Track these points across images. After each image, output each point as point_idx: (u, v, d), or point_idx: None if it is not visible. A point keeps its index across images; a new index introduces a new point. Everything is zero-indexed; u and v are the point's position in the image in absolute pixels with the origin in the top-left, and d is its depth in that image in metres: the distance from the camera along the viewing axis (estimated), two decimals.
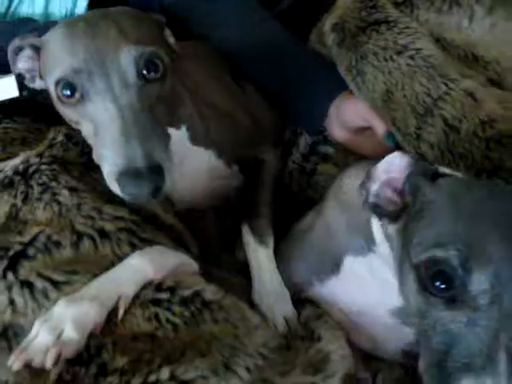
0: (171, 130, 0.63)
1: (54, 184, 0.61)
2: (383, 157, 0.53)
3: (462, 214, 0.46)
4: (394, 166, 0.51)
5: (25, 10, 0.87)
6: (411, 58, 0.70)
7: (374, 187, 0.51)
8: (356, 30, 0.76)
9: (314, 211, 0.71)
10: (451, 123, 0.65)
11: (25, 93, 0.69)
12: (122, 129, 0.52)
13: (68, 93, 0.55)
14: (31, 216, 0.59)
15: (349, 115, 0.79)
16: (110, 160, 0.52)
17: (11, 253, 0.56)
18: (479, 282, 0.42)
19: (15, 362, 0.49)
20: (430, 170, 0.50)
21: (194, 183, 0.75)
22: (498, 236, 0.44)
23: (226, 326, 0.56)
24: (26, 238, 0.57)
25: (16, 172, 0.62)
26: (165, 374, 0.49)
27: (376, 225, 0.56)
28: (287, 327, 0.67)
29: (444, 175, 0.52)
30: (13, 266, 0.55)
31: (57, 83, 0.55)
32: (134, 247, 0.59)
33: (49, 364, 0.49)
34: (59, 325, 0.51)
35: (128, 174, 0.51)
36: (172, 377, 0.49)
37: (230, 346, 0.53)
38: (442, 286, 0.43)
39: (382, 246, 0.57)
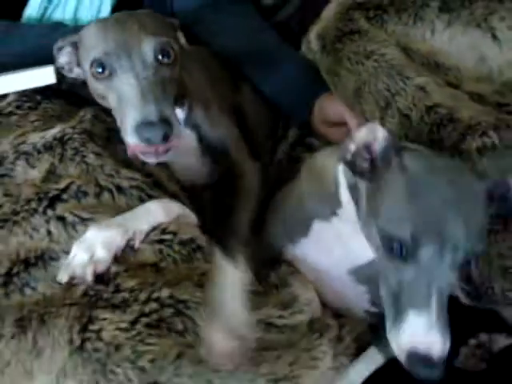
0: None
1: (83, 149, 0.77)
2: None
3: (417, 192, 0.58)
4: (373, 134, 0.62)
5: (57, 15, 0.97)
6: (376, 61, 0.82)
7: (353, 147, 0.63)
8: (334, 39, 0.88)
9: (290, 184, 0.83)
10: (404, 113, 0.77)
11: (64, 86, 0.84)
12: (140, 95, 0.68)
13: (100, 70, 0.71)
14: (65, 172, 0.74)
15: (328, 112, 0.92)
16: (130, 118, 0.67)
17: (50, 195, 0.71)
18: (426, 253, 0.56)
19: (63, 275, 0.64)
20: (400, 145, 0.62)
21: (185, 160, 0.89)
22: (445, 212, 0.57)
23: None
24: (61, 186, 0.72)
25: (54, 138, 0.77)
26: (165, 293, 0.63)
27: (344, 189, 0.68)
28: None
29: (410, 150, 0.64)
30: (51, 205, 0.70)
31: (92, 63, 0.72)
32: (142, 202, 0.74)
33: (89, 278, 0.64)
34: (92, 246, 0.65)
35: (145, 123, 0.66)
36: (171, 296, 0.63)
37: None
38: (399, 251, 0.57)
39: (347, 209, 0.69)
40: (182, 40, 0.82)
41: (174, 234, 0.71)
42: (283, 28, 1.10)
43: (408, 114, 0.76)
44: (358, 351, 0.78)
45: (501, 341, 0.84)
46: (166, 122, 0.67)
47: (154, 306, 0.63)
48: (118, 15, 0.77)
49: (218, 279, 0.69)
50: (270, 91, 1.01)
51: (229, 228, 0.78)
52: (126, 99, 0.69)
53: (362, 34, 0.86)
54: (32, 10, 0.96)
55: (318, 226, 0.75)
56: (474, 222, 0.57)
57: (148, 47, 0.71)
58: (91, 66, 0.72)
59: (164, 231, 0.70)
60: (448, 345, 0.56)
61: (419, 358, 0.55)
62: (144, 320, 0.62)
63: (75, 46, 0.76)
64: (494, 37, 0.84)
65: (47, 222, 0.69)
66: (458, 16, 0.86)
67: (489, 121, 0.74)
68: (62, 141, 0.77)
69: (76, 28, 0.90)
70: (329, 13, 0.93)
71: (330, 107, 0.91)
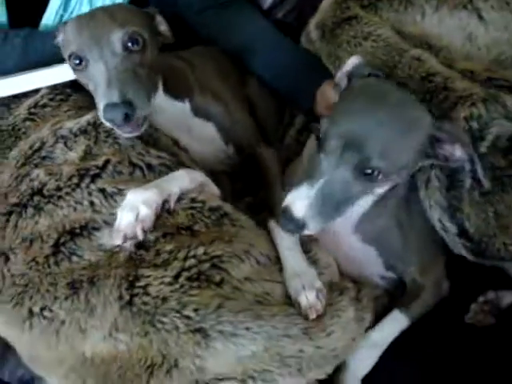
0: (176, 103, 0.90)
1: (114, 131, 0.82)
2: None
3: (346, 103, 0.71)
4: (352, 62, 0.74)
5: None
6: (374, 41, 0.89)
7: (339, 74, 0.76)
8: (333, 26, 0.96)
9: (296, 160, 0.91)
10: (402, 81, 0.83)
11: None
12: (107, 80, 0.75)
13: (77, 62, 0.79)
14: (100, 152, 0.80)
15: (330, 97, 0.98)
16: (99, 101, 0.75)
17: (91, 172, 0.77)
18: (331, 144, 0.67)
19: (116, 238, 0.70)
20: (364, 72, 0.73)
21: (202, 148, 0.96)
22: (361, 119, 0.66)
23: (242, 230, 0.76)
24: (99, 163, 0.78)
25: (88, 123, 0.84)
26: (200, 250, 0.69)
27: None
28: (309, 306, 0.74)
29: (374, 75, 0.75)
30: (92, 180, 0.77)
31: (69, 57, 0.79)
32: None
33: (140, 235, 0.71)
34: (135, 207, 0.71)
35: (108, 105, 0.73)
36: (205, 253, 0.69)
37: (246, 242, 0.74)
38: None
39: None
40: (163, 27, 0.89)
41: (203, 202, 0.77)
42: (281, 25, 1.16)
43: (406, 82, 0.83)
44: (376, 314, 0.83)
45: (508, 297, 0.89)
46: (128, 104, 0.74)
47: (192, 261, 0.69)
48: (93, 10, 0.85)
49: (282, 251, 0.79)
50: (273, 81, 1.07)
51: (272, 205, 0.86)
52: (97, 85, 0.77)
53: (358, 20, 0.93)
54: (48, 19, 1.01)
55: None
56: (389, 140, 0.66)
57: (116, 37, 0.78)
58: (69, 59, 0.80)
59: (194, 200, 0.77)
60: (308, 214, 0.66)
61: (286, 213, 0.66)
62: (185, 274, 0.69)
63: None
64: (480, 17, 0.91)
65: (89, 194, 0.76)
66: (444, 1, 0.93)
67: (479, 93, 0.80)
68: (95, 125, 0.83)
69: None
70: (326, 3, 1.00)
71: (331, 92, 0.98)
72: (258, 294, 0.73)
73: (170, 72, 0.90)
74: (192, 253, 0.71)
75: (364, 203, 0.77)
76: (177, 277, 0.69)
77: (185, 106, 0.93)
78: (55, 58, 0.90)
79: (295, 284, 0.75)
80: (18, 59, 0.95)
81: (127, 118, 0.74)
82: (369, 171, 0.67)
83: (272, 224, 0.82)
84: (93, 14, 0.82)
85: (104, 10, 0.83)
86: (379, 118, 0.66)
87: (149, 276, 0.69)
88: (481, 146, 0.76)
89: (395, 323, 0.82)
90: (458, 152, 0.69)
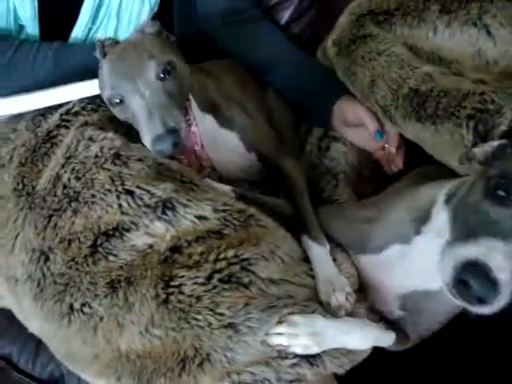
0: (204, 115, 0.95)
1: None
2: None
3: None
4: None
5: (99, 35, 1.05)
6: (388, 56, 0.94)
7: (479, 150, 0.73)
8: (349, 43, 1.01)
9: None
10: (414, 88, 0.89)
11: None
12: (148, 113, 0.79)
13: (117, 101, 0.83)
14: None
15: (348, 114, 1.02)
16: (144, 135, 0.80)
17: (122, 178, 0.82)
18: None
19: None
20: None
21: (225, 158, 1.00)
22: None
23: (267, 231, 0.80)
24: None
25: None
26: (230, 253, 0.74)
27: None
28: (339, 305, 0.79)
29: None
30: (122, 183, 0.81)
31: (108, 100, 0.85)
32: None
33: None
34: None
35: (155, 139, 0.77)
36: (235, 255, 0.73)
37: (271, 242, 0.78)
38: None
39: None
40: None
41: (231, 205, 0.82)
42: (297, 40, 1.22)
43: (418, 88, 0.89)
44: None
45: None
46: (173, 131, 0.78)
47: (223, 264, 0.74)
48: (122, 46, 0.88)
49: (316, 261, 0.82)
50: (291, 96, 1.12)
51: (303, 218, 0.89)
52: (139, 119, 0.81)
53: (373, 37, 0.98)
54: (78, 32, 1.05)
55: (393, 251, 0.80)
56: None
57: (148, 71, 0.82)
58: (109, 102, 0.85)
59: (225, 204, 0.81)
60: (506, 277, 0.53)
61: (477, 269, 0.53)
62: (217, 276, 0.73)
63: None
64: (489, 33, 0.96)
65: (118, 197, 0.80)
66: (456, 16, 0.97)
67: (489, 88, 0.85)
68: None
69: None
70: (343, 21, 1.05)
71: (348, 109, 1.02)
72: (281, 297, 0.77)
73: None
74: (222, 255, 0.75)
75: None
76: (209, 278, 0.73)
77: (210, 118, 0.97)
78: (85, 70, 0.95)
79: (326, 288, 0.79)
80: (49, 70, 0.99)
81: (175, 145, 0.79)
82: None
83: (306, 240, 0.85)
84: (122, 52, 0.86)
85: (132, 44, 0.87)
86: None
87: (182, 276, 0.73)
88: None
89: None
90: None
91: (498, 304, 0.53)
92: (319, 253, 0.84)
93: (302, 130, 1.14)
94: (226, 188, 0.90)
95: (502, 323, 0.80)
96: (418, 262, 0.75)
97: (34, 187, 0.86)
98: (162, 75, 0.83)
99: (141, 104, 0.80)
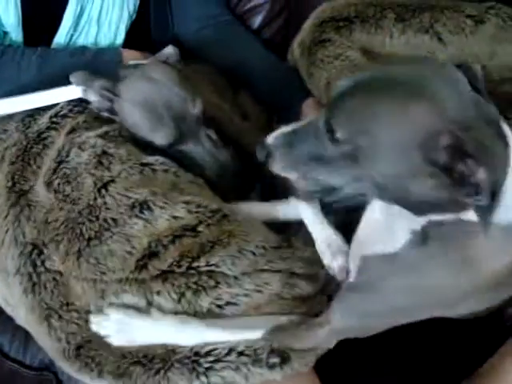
0: None
1: None
2: None
3: None
4: None
5: (80, 41, 1.11)
6: (343, 60, 1.02)
7: None
8: (310, 45, 1.09)
9: None
10: None
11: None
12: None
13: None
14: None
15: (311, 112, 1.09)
16: None
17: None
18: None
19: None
20: None
21: None
22: None
23: (239, 225, 0.85)
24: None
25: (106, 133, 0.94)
26: (202, 262, 0.80)
27: None
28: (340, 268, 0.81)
29: None
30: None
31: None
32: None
33: None
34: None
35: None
36: (206, 264, 0.80)
37: (242, 238, 0.83)
38: None
39: None
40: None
41: (206, 206, 0.86)
42: (268, 44, 1.29)
43: None
44: None
45: None
46: None
47: (194, 273, 0.80)
48: (145, 86, 0.90)
49: (309, 222, 0.85)
50: (263, 95, 1.18)
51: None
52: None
53: (332, 42, 1.06)
54: (60, 38, 1.11)
55: None
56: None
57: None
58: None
59: (199, 205, 0.85)
60: (276, 143, 0.66)
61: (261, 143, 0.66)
62: (188, 293, 0.79)
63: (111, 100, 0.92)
64: (440, 39, 1.03)
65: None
66: (410, 24, 1.05)
67: None
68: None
69: (98, 51, 1.09)
70: (307, 25, 1.14)
71: (315, 105, 1.10)
72: (258, 284, 0.80)
73: None
74: (195, 264, 0.80)
75: None
76: (182, 295, 0.78)
77: None
78: (67, 73, 0.99)
79: (327, 253, 0.82)
80: (33, 75, 1.04)
81: None
82: (334, 132, 0.59)
83: (293, 201, 0.87)
84: (146, 99, 0.88)
85: (155, 88, 0.89)
86: (383, 74, 0.58)
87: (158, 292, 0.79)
88: None
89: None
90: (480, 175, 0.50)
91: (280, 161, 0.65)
92: (313, 213, 0.86)
93: (274, 125, 1.22)
94: None
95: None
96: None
97: (31, 186, 0.91)
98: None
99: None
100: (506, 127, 0.53)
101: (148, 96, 0.88)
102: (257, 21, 1.30)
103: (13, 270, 0.86)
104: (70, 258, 0.83)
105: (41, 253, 0.85)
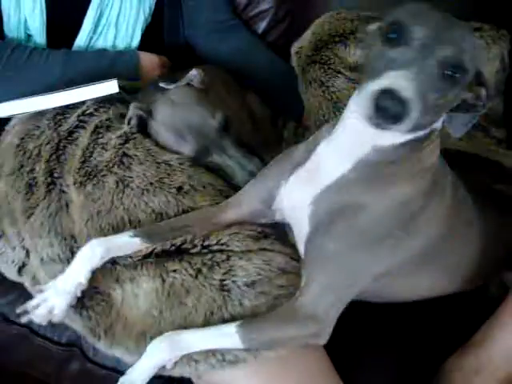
0: None
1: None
2: None
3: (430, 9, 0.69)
4: None
5: (99, 44, 1.18)
6: (323, 91, 1.15)
7: None
8: (304, 63, 1.21)
9: None
10: None
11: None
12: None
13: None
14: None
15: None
16: None
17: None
18: (418, 33, 0.64)
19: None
20: None
21: None
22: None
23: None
24: None
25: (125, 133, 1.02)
26: (213, 241, 0.87)
27: None
28: None
29: None
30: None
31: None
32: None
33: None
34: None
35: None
36: (217, 243, 0.87)
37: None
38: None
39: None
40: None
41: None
42: (272, 46, 1.38)
43: None
44: None
45: None
46: None
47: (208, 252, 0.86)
48: (166, 113, 1.01)
49: None
50: (269, 95, 1.28)
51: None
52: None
53: (322, 65, 1.17)
54: (80, 41, 1.17)
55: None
56: (473, 51, 0.66)
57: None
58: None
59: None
60: (411, 95, 0.59)
61: (387, 94, 0.58)
62: (204, 268, 0.85)
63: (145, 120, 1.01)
64: None
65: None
66: None
67: None
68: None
69: (117, 53, 1.17)
70: (306, 37, 1.24)
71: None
72: (265, 260, 0.84)
73: None
74: (206, 243, 0.86)
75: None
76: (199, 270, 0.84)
77: None
78: (90, 74, 1.07)
79: None
80: (58, 75, 1.10)
81: None
82: (456, 73, 0.63)
83: None
84: (181, 114, 1.00)
85: (187, 103, 1.00)
86: (462, 27, 0.65)
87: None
88: None
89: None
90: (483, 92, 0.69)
91: (410, 120, 0.60)
92: None
93: (280, 123, 1.30)
94: None
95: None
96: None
97: (66, 184, 0.96)
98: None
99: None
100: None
101: (171, 118, 1.00)
102: (262, 25, 1.38)
103: (53, 257, 0.92)
104: None
105: (76, 242, 0.92)
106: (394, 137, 0.69)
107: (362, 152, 0.72)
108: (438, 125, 0.72)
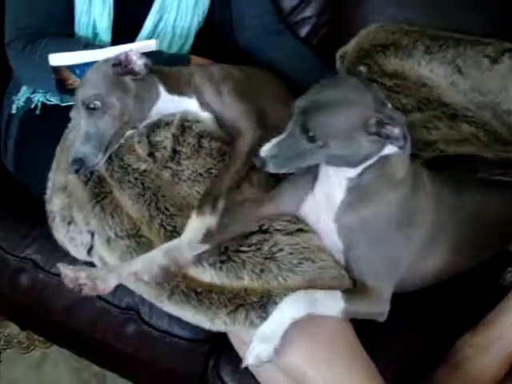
0: (185, 99, 1.04)
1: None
2: None
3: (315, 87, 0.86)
4: None
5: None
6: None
7: None
8: (348, 66, 1.30)
9: None
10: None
11: None
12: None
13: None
14: None
15: None
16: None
17: None
18: (295, 111, 0.84)
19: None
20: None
21: None
22: None
23: None
24: None
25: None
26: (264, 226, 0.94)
27: None
28: None
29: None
30: None
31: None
32: None
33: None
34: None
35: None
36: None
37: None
38: None
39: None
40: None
41: None
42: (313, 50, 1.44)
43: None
44: None
45: None
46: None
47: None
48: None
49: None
50: None
51: (211, 183, 0.95)
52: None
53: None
54: (142, 38, 1.24)
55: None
56: (326, 111, 0.81)
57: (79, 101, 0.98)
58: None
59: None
60: (268, 154, 0.82)
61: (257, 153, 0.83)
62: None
63: None
64: (460, 72, 1.25)
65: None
66: (435, 57, 1.26)
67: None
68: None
69: (171, 55, 1.21)
70: (352, 44, 1.34)
71: None
72: (304, 239, 0.92)
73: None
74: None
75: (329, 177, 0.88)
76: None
77: (193, 102, 1.05)
78: None
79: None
80: None
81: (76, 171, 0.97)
82: (310, 133, 0.79)
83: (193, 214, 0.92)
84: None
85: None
86: (325, 95, 0.81)
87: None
88: None
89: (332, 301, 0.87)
90: (396, 131, 0.79)
91: (274, 166, 0.84)
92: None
93: None
94: None
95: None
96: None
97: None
98: (91, 106, 0.95)
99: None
100: (388, 106, 0.84)
101: None
102: (304, 30, 1.49)
103: (113, 237, 0.98)
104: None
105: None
106: (346, 172, 0.86)
107: (344, 182, 0.87)
108: (387, 152, 0.84)
